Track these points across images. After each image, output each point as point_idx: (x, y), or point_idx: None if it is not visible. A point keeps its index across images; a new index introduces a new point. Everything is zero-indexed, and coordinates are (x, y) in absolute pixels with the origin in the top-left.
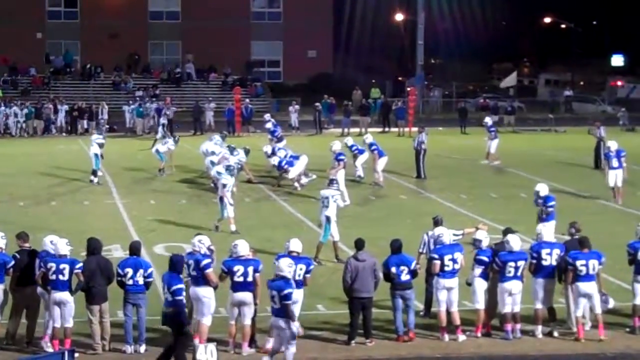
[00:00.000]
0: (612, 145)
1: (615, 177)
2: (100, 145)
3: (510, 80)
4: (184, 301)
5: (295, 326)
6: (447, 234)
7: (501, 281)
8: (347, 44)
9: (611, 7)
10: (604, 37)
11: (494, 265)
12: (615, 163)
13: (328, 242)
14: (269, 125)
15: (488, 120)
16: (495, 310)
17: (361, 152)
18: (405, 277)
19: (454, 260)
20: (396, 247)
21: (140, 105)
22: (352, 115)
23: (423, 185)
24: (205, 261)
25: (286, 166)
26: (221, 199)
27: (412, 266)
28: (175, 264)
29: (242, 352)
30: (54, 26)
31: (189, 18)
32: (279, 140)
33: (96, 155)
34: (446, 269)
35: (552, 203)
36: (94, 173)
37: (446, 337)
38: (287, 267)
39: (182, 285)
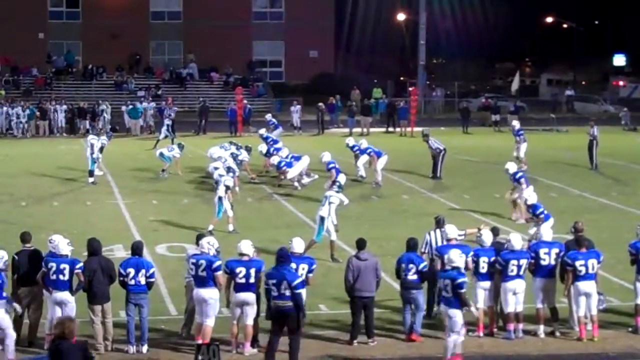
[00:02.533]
0: (510, 167)
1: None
2: (92, 146)
3: (516, 82)
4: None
5: (465, 311)
6: (452, 230)
7: (504, 280)
8: (349, 43)
9: (613, 6)
10: (605, 37)
11: (496, 265)
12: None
13: (324, 240)
14: (262, 131)
15: (516, 124)
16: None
17: (362, 152)
18: (412, 276)
19: None
20: (410, 245)
21: (135, 106)
22: (355, 115)
23: (425, 185)
24: (217, 263)
25: (284, 167)
26: (220, 199)
27: (420, 267)
28: (285, 257)
29: (244, 352)
30: (55, 26)
31: (190, 18)
32: (274, 142)
33: (92, 155)
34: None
35: (539, 211)
36: (90, 174)
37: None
38: (458, 257)
39: (303, 279)
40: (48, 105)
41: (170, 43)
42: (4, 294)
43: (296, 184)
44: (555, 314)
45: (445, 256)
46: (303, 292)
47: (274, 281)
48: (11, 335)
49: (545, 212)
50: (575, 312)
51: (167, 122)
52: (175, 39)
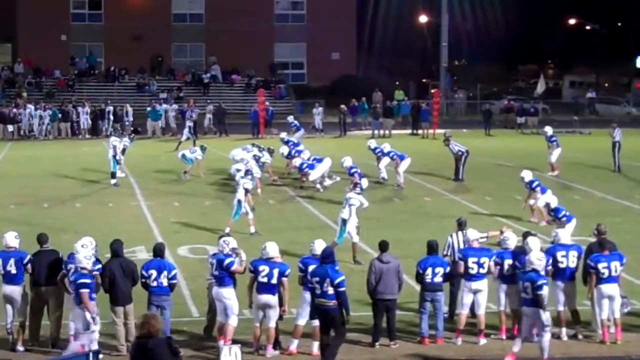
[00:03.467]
0: (526, 175)
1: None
2: (114, 148)
3: (541, 84)
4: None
5: (546, 315)
6: (474, 234)
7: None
8: (371, 45)
9: (636, 8)
10: (628, 39)
11: (516, 270)
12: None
13: (347, 243)
14: (283, 135)
15: (548, 129)
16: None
17: (385, 154)
18: (438, 279)
19: (480, 264)
20: (433, 247)
21: (154, 107)
22: (380, 117)
23: (447, 187)
24: (228, 260)
25: (307, 169)
26: (239, 202)
27: (448, 269)
28: (329, 256)
29: (266, 354)
30: (78, 28)
31: (212, 20)
32: (295, 145)
33: (114, 157)
34: (470, 271)
35: (562, 213)
36: (112, 175)
37: (459, 340)
38: (537, 260)
39: (344, 277)
40: (70, 107)
41: (192, 45)
42: (93, 296)
43: (318, 186)
44: (577, 317)
45: (527, 259)
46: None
47: (317, 279)
48: (95, 339)
49: (567, 213)
50: (598, 315)
51: (188, 124)
52: (197, 41)
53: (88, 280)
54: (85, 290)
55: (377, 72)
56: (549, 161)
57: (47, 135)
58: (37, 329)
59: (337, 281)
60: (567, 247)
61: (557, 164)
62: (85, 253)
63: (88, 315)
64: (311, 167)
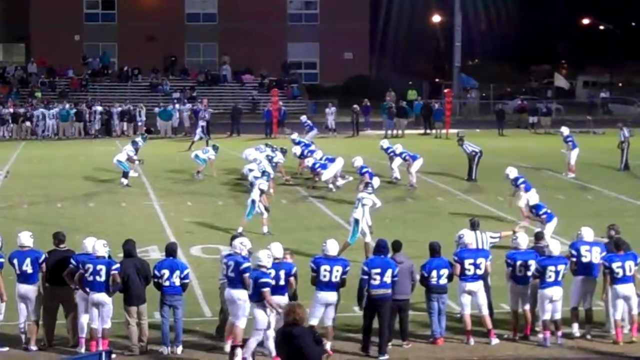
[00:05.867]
0: (511, 172)
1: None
2: (128, 156)
3: (561, 80)
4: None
5: None
6: (469, 235)
7: (541, 287)
8: (384, 45)
9: None
10: None
11: (535, 272)
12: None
13: (359, 243)
14: (294, 136)
15: (564, 130)
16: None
17: (397, 155)
18: (443, 280)
19: (476, 265)
20: (436, 249)
21: (165, 108)
22: (394, 117)
23: (460, 187)
24: (245, 264)
25: (319, 169)
26: (253, 201)
27: (451, 269)
28: (386, 246)
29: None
30: (91, 28)
31: (225, 20)
32: (307, 145)
33: (119, 162)
34: (467, 272)
35: (543, 211)
36: (125, 175)
37: (472, 341)
38: None
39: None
40: (84, 107)
41: (205, 45)
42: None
43: (330, 185)
44: (590, 317)
45: None
46: None
47: (378, 270)
48: (272, 337)
49: (549, 211)
50: (612, 315)
51: (201, 123)
52: (210, 41)
53: (269, 280)
54: (267, 290)
55: (389, 72)
56: (567, 162)
57: (63, 134)
58: (52, 330)
59: (396, 271)
60: (591, 243)
61: (574, 167)
62: (267, 252)
63: (268, 311)
64: (323, 167)
